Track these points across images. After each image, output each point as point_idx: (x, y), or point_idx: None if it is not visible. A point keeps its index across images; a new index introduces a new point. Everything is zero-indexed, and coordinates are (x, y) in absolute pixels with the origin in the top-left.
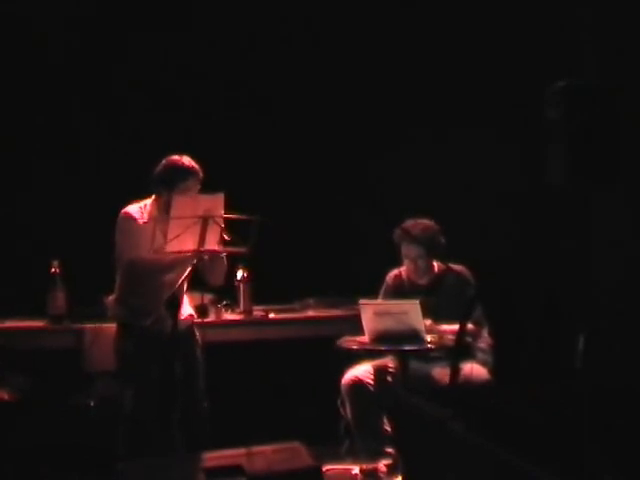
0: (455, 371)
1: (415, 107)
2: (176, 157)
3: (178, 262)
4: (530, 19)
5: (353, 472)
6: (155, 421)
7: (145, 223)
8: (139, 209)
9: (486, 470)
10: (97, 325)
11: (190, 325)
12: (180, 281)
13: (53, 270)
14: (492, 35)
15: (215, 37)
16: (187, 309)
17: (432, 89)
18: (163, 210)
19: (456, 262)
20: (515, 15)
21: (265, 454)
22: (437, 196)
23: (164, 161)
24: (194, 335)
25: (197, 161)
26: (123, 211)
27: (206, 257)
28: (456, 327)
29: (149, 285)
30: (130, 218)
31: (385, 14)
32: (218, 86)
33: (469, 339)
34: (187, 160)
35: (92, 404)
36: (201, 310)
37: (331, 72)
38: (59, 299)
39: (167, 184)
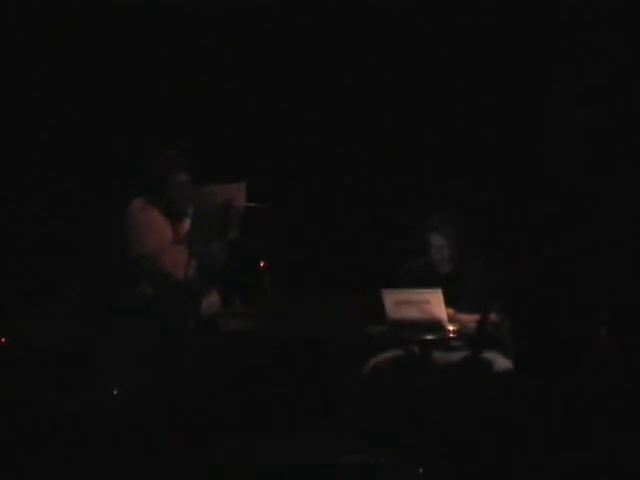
0: (477, 361)
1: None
2: (161, 152)
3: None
4: None
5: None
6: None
7: (152, 216)
8: (144, 204)
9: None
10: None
11: (215, 313)
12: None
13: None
14: None
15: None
16: (213, 296)
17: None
18: (161, 205)
19: (478, 252)
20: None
21: None
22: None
23: (153, 158)
24: (217, 324)
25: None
26: (130, 207)
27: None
28: (478, 317)
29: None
30: (135, 214)
31: None
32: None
33: (491, 329)
34: (170, 153)
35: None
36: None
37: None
38: (71, 293)
39: (159, 182)
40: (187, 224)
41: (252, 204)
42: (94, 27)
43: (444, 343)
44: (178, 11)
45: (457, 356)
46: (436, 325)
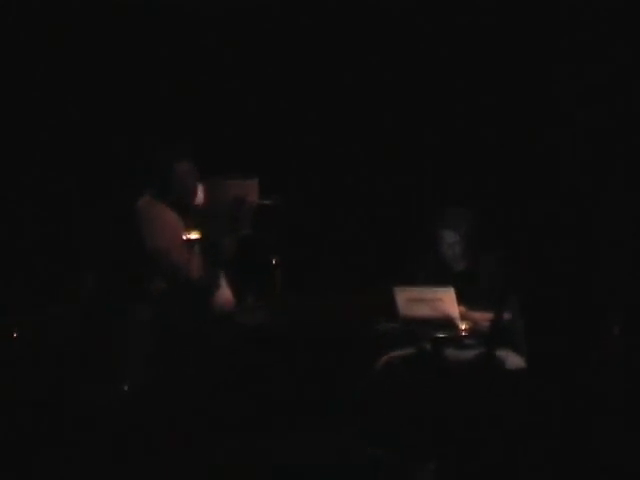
0: (491, 359)
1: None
2: (162, 143)
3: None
4: None
5: None
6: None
7: (162, 211)
8: (152, 198)
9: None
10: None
11: (229, 311)
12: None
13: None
14: None
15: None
16: (226, 292)
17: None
18: (168, 200)
19: (490, 248)
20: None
21: None
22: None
23: (154, 150)
24: (230, 319)
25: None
26: (139, 202)
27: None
28: (490, 315)
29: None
30: (145, 209)
31: None
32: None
33: (504, 326)
34: (175, 145)
35: (125, 388)
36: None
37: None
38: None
39: (162, 173)
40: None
41: (264, 201)
42: (94, 27)
43: (456, 341)
44: (178, 11)
45: (469, 354)
46: (448, 323)
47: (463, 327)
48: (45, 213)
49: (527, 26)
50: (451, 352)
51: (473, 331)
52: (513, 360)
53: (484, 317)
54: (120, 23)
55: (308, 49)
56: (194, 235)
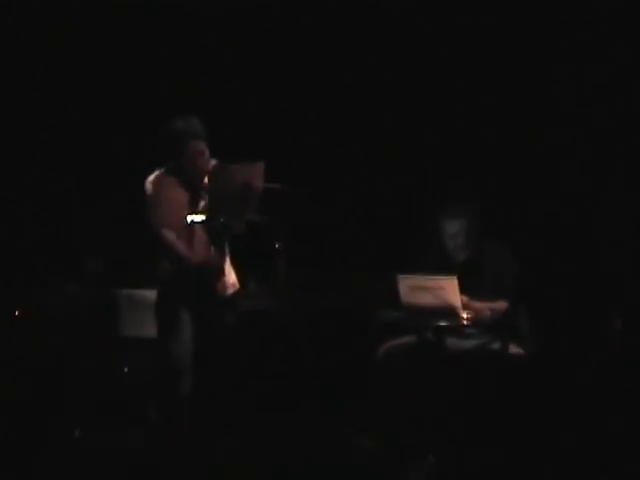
0: (505, 350)
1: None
2: (180, 118)
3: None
4: None
5: None
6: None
7: (171, 189)
8: (159, 177)
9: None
10: (133, 290)
11: (232, 295)
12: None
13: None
14: None
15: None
16: (231, 277)
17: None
18: (180, 178)
19: (494, 240)
20: None
21: None
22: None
23: (171, 124)
24: (234, 304)
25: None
26: (150, 179)
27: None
28: (492, 305)
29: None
30: (153, 186)
31: None
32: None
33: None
34: (195, 120)
35: (126, 370)
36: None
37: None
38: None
39: (177, 146)
40: (205, 199)
41: (270, 185)
42: (94, 27)
43: (458, 330)
44: (178, 11)
45: (471, 343)
46: (450, 312)
47: (465, 316)
48: (45, 213)
49: (527, 26)
50: (452, 341)
51: (475, 321)
52: (514, 351)
53: (486, 307)
54: (120, 23)
55: (308, 49)
56: (198, 217)
